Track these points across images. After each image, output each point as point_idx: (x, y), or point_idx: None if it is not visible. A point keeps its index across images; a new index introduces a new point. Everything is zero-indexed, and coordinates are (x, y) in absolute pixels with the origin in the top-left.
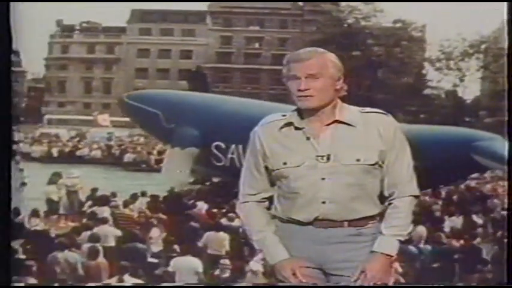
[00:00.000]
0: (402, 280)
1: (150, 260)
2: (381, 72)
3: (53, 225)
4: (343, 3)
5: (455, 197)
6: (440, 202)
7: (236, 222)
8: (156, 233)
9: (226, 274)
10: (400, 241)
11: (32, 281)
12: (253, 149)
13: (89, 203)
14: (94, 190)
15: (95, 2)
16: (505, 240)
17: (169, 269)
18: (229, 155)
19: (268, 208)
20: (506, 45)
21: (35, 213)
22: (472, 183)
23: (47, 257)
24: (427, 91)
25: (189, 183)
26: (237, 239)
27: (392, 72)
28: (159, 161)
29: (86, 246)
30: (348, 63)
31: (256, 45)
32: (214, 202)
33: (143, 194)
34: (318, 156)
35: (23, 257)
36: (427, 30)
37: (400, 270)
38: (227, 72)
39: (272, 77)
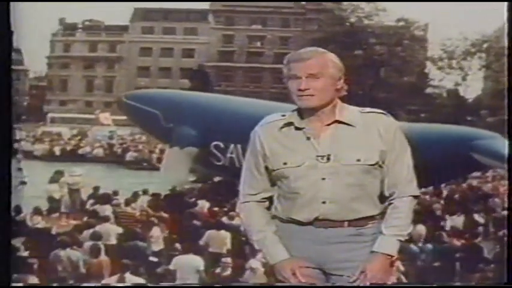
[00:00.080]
0: (404, 279)
1: (151, 258)
2: (383, 71)
3: (55, 223)
4: (345, 2)
5: (456, 196)
6: (441, 201)
7: (237, 221)
8: (156, 232)
9: (228, 272)
10: (401, 241)
11: (34, 279)
12: (253, 149)
13: (91, 201)
14: (96, 188)
15: (97, 1)
16: (505, 239)
17: (171, 267)
18: (228, 155)
19: (269, 208)
20: (506, 45)
21: (37, 211)
22: (474, 182)
23: (49, 255)
24: (429, 90)
25: (190, 181)
26: (238, 238)
27: (395, 71)
28: (160, 160)
29: (87, 244)
30: (350, 62)
31: (258, 43)
32: (216, 200)
33: (145, 192)
34: (318, 156)
35: (25, 255)
36: (429, 29)
37: (402, 268)
38: (229, 71)
39: (274, 76)
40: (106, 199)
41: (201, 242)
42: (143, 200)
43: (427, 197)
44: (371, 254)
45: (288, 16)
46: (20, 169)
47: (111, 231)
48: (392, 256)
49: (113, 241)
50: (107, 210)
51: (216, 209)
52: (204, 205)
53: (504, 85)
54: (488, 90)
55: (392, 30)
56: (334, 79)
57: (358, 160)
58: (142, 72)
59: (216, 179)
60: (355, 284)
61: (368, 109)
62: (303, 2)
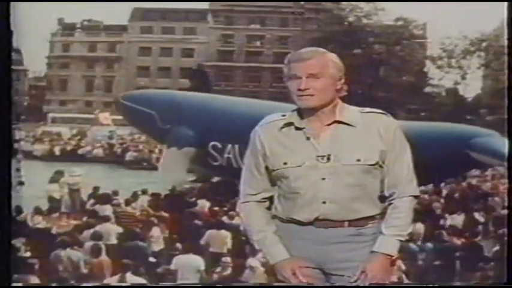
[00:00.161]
0: (405, 278)
1: (151, 258)
2: (382, 70)
3: (55, 223)
4: (344, 2)
5: (456, 195)
6: (441, 200)
7: (237, 220)
8: (157, 231)
9: (228, 272)
10: (401, 241)
11: (34, 279)
12: (253, 149)
13: (91, 201)
14: (96, 188)
15: (97, 1)
16: (505, 237)
17: (172, 267)
18: (226, 155)
19: (269, 208)
20: (506, 43)
21: (37, 211)
22: (474, 181)
23: (50, 255)
24: (428, 89)
25: (190, 181)
26: (239, 237)
27: (394, 70)
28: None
29: (88, 244)
30: (349, 61)
31: (258, 43)
32: (216, 200)
33: (145, 192)
34: (318, 156)
35: (25, 255)
36: (428, 28)
37: (403, 267)
38: (228, 70)
39: (274, 75)
40: (106, 199)
41: (202, 242)
42: (143, 200)
43: (427, 195)
44: (371, 254)
45: (287, 16)
46: (18, 169)
47: (112, 231)
48: (392, 256)
49: (114, 241)
50: (107, 210)
51: (216, 208)
52: (204, 205)
53: (503, 84)
54: (487, 89)
55: (391, 29)
56: (335, 79)
57: (358, 160)
58: (141, 72)
59: (216, 178)
60: (355, 284)
61: (368, 109)
62: (302, 2)
